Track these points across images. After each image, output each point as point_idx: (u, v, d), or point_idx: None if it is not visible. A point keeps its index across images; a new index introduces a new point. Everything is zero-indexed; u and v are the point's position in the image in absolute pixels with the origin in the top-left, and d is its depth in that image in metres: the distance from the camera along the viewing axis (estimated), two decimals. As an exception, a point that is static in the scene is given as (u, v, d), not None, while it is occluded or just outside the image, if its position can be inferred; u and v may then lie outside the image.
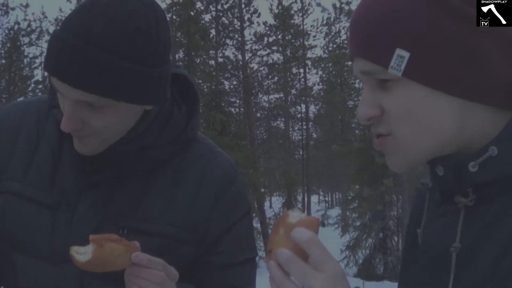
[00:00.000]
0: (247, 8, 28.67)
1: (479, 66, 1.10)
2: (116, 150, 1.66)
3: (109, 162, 1.68)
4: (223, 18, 28.24)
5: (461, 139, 1.14)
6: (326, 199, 43.97)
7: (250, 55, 29.11)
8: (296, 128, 38.34)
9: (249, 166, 20.27)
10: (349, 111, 32.92)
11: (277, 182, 28.20)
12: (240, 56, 28.10)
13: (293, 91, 35.00)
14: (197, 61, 22.46)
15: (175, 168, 1.74)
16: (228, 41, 28.64)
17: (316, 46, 34.78)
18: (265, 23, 30.54)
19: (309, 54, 34.64)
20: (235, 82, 29.96)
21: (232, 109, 28.13)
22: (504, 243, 1.05)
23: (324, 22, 34.35)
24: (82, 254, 1.47)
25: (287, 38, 31.53)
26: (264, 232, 21.74)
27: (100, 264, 1.48)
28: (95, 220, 1.65)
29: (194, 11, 22.49)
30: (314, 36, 34.21)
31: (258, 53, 29.97)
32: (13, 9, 30.47)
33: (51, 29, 32.65)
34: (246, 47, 28.17)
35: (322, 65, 35.21)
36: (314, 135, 41.28)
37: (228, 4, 28.17)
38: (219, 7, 28.01)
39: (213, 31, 27.21)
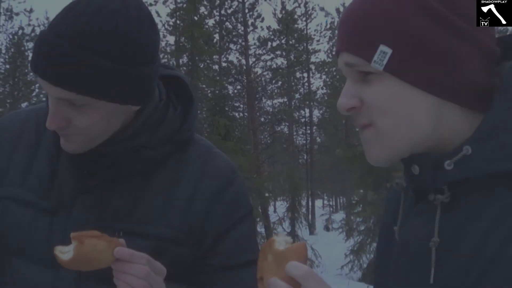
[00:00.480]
0: (251, 13, 28.72)
1: (453, 67, 1.16)
2: (109, 150, 1.66)
3: (105, 164, 1.67)
4: (227, 23, 28.29)
5: (435, 137, 1.20)
6: (330, 203, 43.91)
7: (253, 59, 29.15)
8: (300, 132, 38.34)
9: (253, 170, 20.25)
10: (353, 116, 32.90)
11: (281, 187, 28.18)
12: (243, 61, 28.13)
13: (297, 96, 35.02)
14: (201, 66, 22.46)
15: (172, 169, 1.72)
16: (231, 45, 28.69)
17: (319, 50, 34.81)
18: (268, 27, 30.62)
19: (312, 59, 34.68)
20: (238, 87, 30.02)
21: (236, 114, 28.16)
22: (481, 235, 1.09)
23: (328, 26, 34.38)
24: (65, 253, 1.46)
25: (290, 42, 31.55)
26: (268, 237, 21.71)
27: (83, 261, 1.47)
28: (90, 223, 1.64)
29: (198, 16, 22.51)
30: (318, 41, 34.14)
31: (262, 57, 30.03)
32: (17, 14, 30.57)
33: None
34: (250, 52, 28.24)
35: (326, 70, 35.21)
36: (318, 140, 41.26)
37: (231, 9, 28.24)
38: (222, 12, 28.08)
39: (216, 36, 27.24)
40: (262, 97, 32.55)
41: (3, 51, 31.69)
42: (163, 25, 25.46)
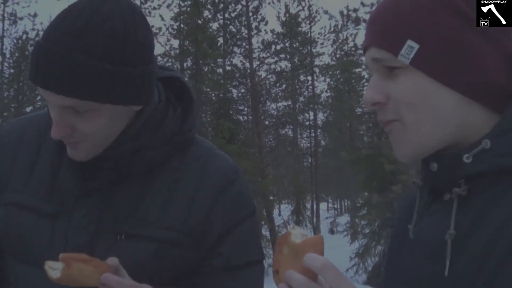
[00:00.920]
0: (255, 16, 28.74)
1: (477, 67, 1.19)
2: (110, 153, 1.66)
3: (106, 167, 1.67)
4: (231, 26, 28.31)
5: (458, 133, 1.22)
6: (335, 206, 43.90)
7: (258, 63, 29.15)
8: (305, 135, 38.36)
9: (257, 174, 20.26)
10: (357, 118, 32.84)
11: (285, 190, 28.20)
12: (247, 64, 28.15)
13: (301, 99, 35.01)
14: (205, 70, 22.48)
15: (172, 170, 1.72)
16: (235, 49, 28.71)
17: (323, 53, 34.81)
18: (272, 31, 30.63)
19: (316, 62, 34.68)
20: (243, 90, 30.02)
21: (240, 117, 28.15)
22: (497, 228, 1.10)
23: (332, 29, 34.37)
24: (54, 269, 1.47)
25: (294, 45, 31.56)
26: (273, 240, 21.71)
27: (70, 281, 1.49)
28: (91, 226, 1.65)
29: (202, 19, 22.53)
30: (322, 44, 34.31)
31: (266, 61, 30.03)
32: (21, 18, 30.61)
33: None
34: (254, 55, 28.23)
35: (330, 73, 35.20)
36: (323, 143, 41.23)
37: (235, 13, 28.27)
38: (226, 15, 28.09)
39: (220, 40, 27.26)
40: (267, 100, 32.54)
41: (8, 56, 31.74)
42: (167, 28, 25.54)
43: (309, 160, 38.09)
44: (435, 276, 1.19)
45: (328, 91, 36.59)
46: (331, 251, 21.39)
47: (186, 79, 1.86)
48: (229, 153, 1.92)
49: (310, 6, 32.72)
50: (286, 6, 31.56)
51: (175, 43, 25.27)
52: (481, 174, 1.17)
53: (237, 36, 28.51)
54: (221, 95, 21.19)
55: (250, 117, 30.21)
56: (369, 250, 18.22)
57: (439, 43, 1.20)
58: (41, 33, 30.72)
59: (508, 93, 1.20)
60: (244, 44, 28.43)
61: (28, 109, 31.29)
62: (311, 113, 35.86)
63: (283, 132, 35.75)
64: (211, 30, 24.53)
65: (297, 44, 31.85)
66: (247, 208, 1.79)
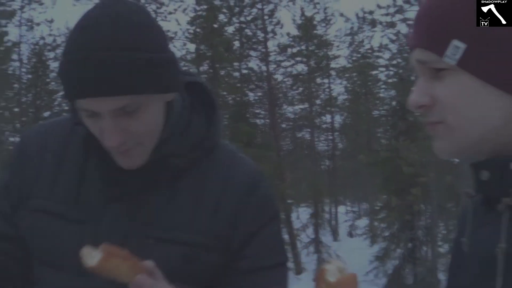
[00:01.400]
0: (270, 20, 28.69)
1: None
2: None
3: (133, 173, 1.67)
4: (247, 30, 28.32)
5: (505, 135, 1.17)
6: (353, 209, 43.87)
7: (274, 66, 29.18)
8: (322, 138, 38.33)
9: (276, 177, 20.27)
10: (374, 121, 32.86)
11: (304, 193, 28.19)
12: (264, 67, 28.17)
13: (318, 102, 34.98)
14: (222, 73, 22.56)
15: (198, 175, 1.74)
16: (252, 52, 28.70)
17: (339, 56, 34.64)
18: (288, 34, 30.58)
19: (333, 64, 34.60)
20: (259, 94, 30.03)
21: (257, 121, 28.19)
22: None
23: (348, 31, 34.30)
24: (91, 257, 1.47)
25: (310, 48, 31.54)
26: (292, 243, 21.71)
27: (102, 272, 1.48)
28: (120, 232, 1.66)
29: (217, 23, 22.60)
30: (338, 46, 34.02)
31: (282, 64, 30.01)
32: (38, 24, 30.78)
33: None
34: (270, 58, 28.23)
35: (347, 75, 35.15)
36: (340, 145, 41.22)
37: (251, 16, 28.26)
38: (242, 19, 28.11)
39: (236, 43, 27.30)
40: (283, 104, 32.56)
41: (25, 61, 31.95)
42: (183, 33, 25.57)
43: (327, 163, 38.15)
44: None
45: (345, 93, 36.54)
46: (351, 255, 21.49)
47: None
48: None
49: (325, 8, 32.65)
50: (302, 9, 31.47)
51: (191, 47, 25.29)
52: None
53: (253, 40, 28.49)
54: (238, 98, 21.25)
55: (267, 120, 30.24)
56: (389, 253, 18.21)
57: (487, 43, 1.15)
58: (58, 38, 31.03)
59: None
60: (260, 47, 28.44)
61: (46, 114, 31.51)
62: (328, 116, 35.81)
63: (300, 135, 35.78)
64: (226, 34, 24.60)
65: (313, 47, 31.80)
66: (272, 210, 1.80)
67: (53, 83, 31.73)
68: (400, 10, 23.45)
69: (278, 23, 28.75)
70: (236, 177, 1.76)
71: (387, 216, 17.91)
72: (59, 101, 32.28)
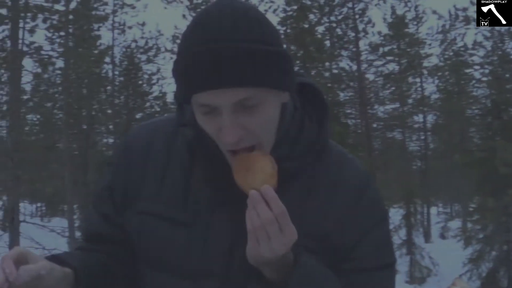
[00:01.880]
0: (361, 19, 28.45)
1: None
2: None
3: None
4: (337, 29, 28.15)
5: None
6: (446, 210, 43.00)
7: (365, 65, 28.90)
8: (414, 138, 37.69)
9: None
10: (467, 120, 32.08)
11: (395, 194, 27.78)
12: (355, 67, 27.93)
13: (410, 101, 34.44)
14: (312, 73, 22.45)
15: (307, 178, 1.72)
16: (343, 52, 28.51)
17: (432, 54, 33.99)
18: (379, 32, 30.23)
19: (425, 63, 33.98)
20: (350, 93, 29.79)
21: (349, 121, 27.93)
22: None
23: (440, 29, 33.62)
24: None
25: (402, 47, 31.09)
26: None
27: (246, 166, 1.56)
28: (228, 236, 1.66)
29: (308, 23, 22.53)
30: (429, 44, 33.39)
31: (374, 63, 29.70)
32: (130, 27, 31.40)
33: (168, 46, 33.53)
34: (361, 58, 27.99)
35: (439, 74, 34.45)
36: (431, 145, 40.44)
37: (342, 15, 28.08)
38: (332, 18, 27.97)
39: (327, 43, 27.15)
40: (375, 103, 32.20)
41: (117, 64, 32.62)
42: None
43: (418, 164, 37.50)
44: None
45: (437, 93, 35.83)
46: (443, 256, 21.05)
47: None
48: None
49: (416, 6, 32.12)
50: (393, 7, 31.09)
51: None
52: None
53: (344, 39, 28.33)
54: (329, 98, 21.12)
55: (358, 120, 29.96)
56: (483, 255, 17.75)
57: None
58: (150, 41, 31.63)
59: None
60: (351, 47, 28.23)
61: (138, 115, 32.04)
62: (420, 116, 35.19)
63: (391, 135, 35.28)
64: (317, 33, 24.48)
65: (404, 45, 31.33)
66: (381, 212, 1.78)
67: (144, 85, 32.26)
68: (495, 7, 22.81)
69: (369, 22, 28.51)
70: (346, 179, 1.74)
71: (482, 218, 17.48)
72: (151, 103, 32.81)
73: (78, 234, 22.21)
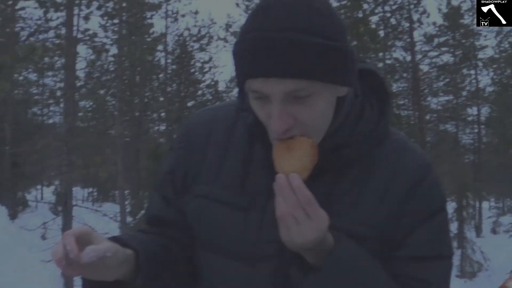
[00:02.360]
0: (416, 9, 28.13)
1: None
2: None
3: None
4: (392, 19, 27.88)
5: None
6: (498, 205, 42.45)
7: (420, 56, 28.60)
8: (467, 131, 37.23)
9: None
10: (523, 114, 31.56)
11: (447, 187, 27.55)
12: (409, 58, 27.67)
13: (464, 93, 34.00)
14: (366, 63, 22.32)
15: (365, 166, 1.71)
16: (397, 42, 28.25)
17: (487, 46, 33.48)
18: (434, 23, 29.88)
19: (480, 55, 33.50)
20: (404, 84, 29.53)
21: (401, 112, 27.71)
22: None
23: (496, 21, 33.05)
24: None
25: (457, 38, 30.70)
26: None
27: (287, 149, 1.56)
28: None
29: (362, 13, 22.40)
30: (485, 36, 32.89)
31: (428, 54, 29.38)
32: (183, 16, 31.60)
33: (221, 34, 33.70)
34: (416, 48, 27.70)
35: (495, 66, 33.92)
36: (485, 139, 39.91)
37: (396, 5, 27.80)
38: (386, 8, 27.70)
39: (381, 33, 26.93)
40: (428, 95, 31.87)
41: (170, 52, 32.87)
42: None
43: (471, 157, 37.07)
44: None
45: (492, 85, 35.30)
46: (495, 251, 20.80)
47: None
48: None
49: (472, -4, 31.68)
50: (448, -3, 30.73)
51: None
52: None
53: (398, 29, 28.04)
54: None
55: (410, 111, 29.70)
56: (536, 252, 17.51)
57: None
58: (202, 29, 31.85)
59: None
60: (405, 37, 27.95)
61: (190, 103, 32.30)
62: (474, 108, 34.72)
63: (444, 128, 34.91)
64: (371, 23, 24.31)
65: (459, 36, 30.93)
66: (439, 201, 1.76)
67: (197, 73, 32.48)
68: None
69: (424, 12, 28.16)
70: (405, 167, 1.72)
71: (537, 213, 17.22)
72: (203, 91, 33.02)
73: (129, 219, 22.48)
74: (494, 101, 34.71)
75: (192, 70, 32.42)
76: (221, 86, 34.76)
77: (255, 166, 1.74)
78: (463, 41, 31.07)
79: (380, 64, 26.24)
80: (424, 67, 29.94)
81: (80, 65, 23.55)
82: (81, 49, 22.57)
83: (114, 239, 1.64)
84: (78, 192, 38.44)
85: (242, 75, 1.55)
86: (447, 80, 32.26)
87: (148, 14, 26.57)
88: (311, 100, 1.53)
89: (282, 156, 1.55)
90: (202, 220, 1.76)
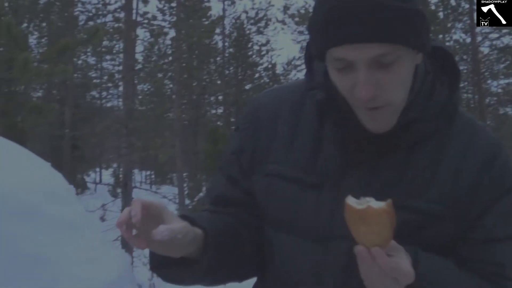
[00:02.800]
0: (476, -11, 27.72)
1: None
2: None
3: (371, 139, 1.65)
4: (451, 0, 27.49)
5: None
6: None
7: (480, 38, 28.12)
8: (529, 115, 36.60)
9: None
10: None
11: (508, 171, 27.23)
12: (469, 40, 27.28)
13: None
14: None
15: (437, 142, 1.69)
16: (456, 24, 27.85)
17: (549, 27, 32.75)
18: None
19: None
20: (463, 67, 29.14)
21: (461, 95, 27.45)
22: None
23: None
24: (357, 203, 1.45)
25: (519, 19, 30.14)
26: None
27: (362, 220, 1.44)
28: (359, 197, 1.61)
29: (422, -6, 22.14)
30: (548, 17, 32.17)
31: (489, 36, 28.88)
32: (240, -1, 31.69)
33: (279, 16, 33.71)
34: (476, 30, 27.25)
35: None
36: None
37: (456, -14, 27.45)
38: (447, -12, 27.36)
39: (440, 14, 26.59)
40: (488, 78, 31.39)
41: (227, 35, 33.02)
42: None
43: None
44: None
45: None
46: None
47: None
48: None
49: (536, -23, 31.02)
50: (510, -23, 30.13)
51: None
52: None
53: (458, 11, 27.65)
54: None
55: (469, 94, 29.33)
56: None
57: None
58: (260, 12, 31.88)
59: None
60: (465, 18, 27.53)
61: (248, 86, 32.41)
62: (536, 92, 34.06)
63: (504, 111, 34.37)
64: (430, 5, 24.03)
65: (521, 17, 30.34)
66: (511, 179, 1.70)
67: (254, 56, 32.56)
68: None
69: (485, -8, 27.69)
70: (477, 145, 1.69)
71: None
72: (260, 73, 33.09)
73: (187, 201, 22.73)
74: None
75: (250, 53, 32.57)
76: (279, 69, 34.71)
77: (326, 144, 1.72)
78: (525, 22, 30.46)
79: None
80: (485, 49, 29.45)
81: (138, 49, 23.81)
82: (140, 32, 22.82)
83: (183, 217, 1.64)
84: (136, 175, 38.98)
85: (325, 44, 1.53)
86: (508, 62, 31.68)
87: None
88: (394, 66, 1.52)
89: (358, 228, 1.48)
90: (273, 199, 1.75)
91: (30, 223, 3.75)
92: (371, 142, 1.66)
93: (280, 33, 36.10)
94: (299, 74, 33.90)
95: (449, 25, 27.05)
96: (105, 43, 29.24)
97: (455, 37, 28.20)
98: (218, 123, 33.60)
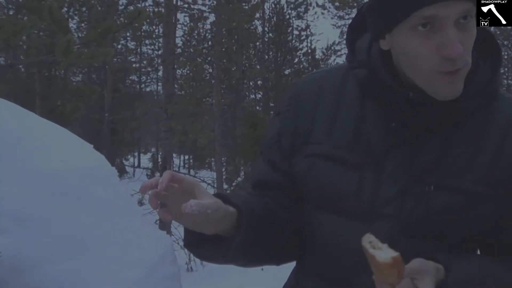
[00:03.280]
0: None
1: None
2: (425, 101, 1.62)
3: (416, 116, 1.64)
4: None
5: None
6: None
7: None
8: None
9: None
10: None
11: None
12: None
13: None
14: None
15: (479, 122, 1.67)
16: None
17: None
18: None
19: None
20: (504, 53, 28.79)
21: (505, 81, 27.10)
22: None
23: None
24: (376, 248, 1.43)
25: None
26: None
27: (378, 269, 1.43)
28: (402, 178, 1.65)
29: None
30: None
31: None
32: (282, -18, 31.64)
33: (319, 1, 33.56)
34: None
35: None
36: None
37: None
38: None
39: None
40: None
41: (267, 19, 33.02)
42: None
43: None
44: None
45: None
46: None
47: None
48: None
49: None
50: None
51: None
52: None
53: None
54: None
55: (510, 81, 28.99)
56: None
57: None
58: (299, -3, 31.77)
59: None
60: (508, 3, 27.23)
61: (287, 71, 32.40)
62: None
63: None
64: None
65: None
66: None
67: (294, 41, 32.53)
68: None
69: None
70: None
71: None
72: (299, 58, 33.07)
73: (225, 186, 22.85)
74: None
75: (289, 38, 32.56)
76: (318, 54, 34.62)
77: (368, 123, 1.72)
78: None
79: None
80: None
81: (178, 33, 23.90)
82: (180, 16, 22.91)
83: (218, 195, 1.65)
84: (174, 159, 39.21)
85: (417, 4, 1.50)
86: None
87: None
88: (470, 27, 1.52)
89: (370, 264, 1.47)
90: (315, 179, 1.75)
91: (76, 204, 3.78)
92: (416, 117, 1.65)
93: (320, 18, 35.86)
94: (339, 59, 33.90)
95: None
96: (144, 27, 29.41)
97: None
98: (257, 107, 33.72)
